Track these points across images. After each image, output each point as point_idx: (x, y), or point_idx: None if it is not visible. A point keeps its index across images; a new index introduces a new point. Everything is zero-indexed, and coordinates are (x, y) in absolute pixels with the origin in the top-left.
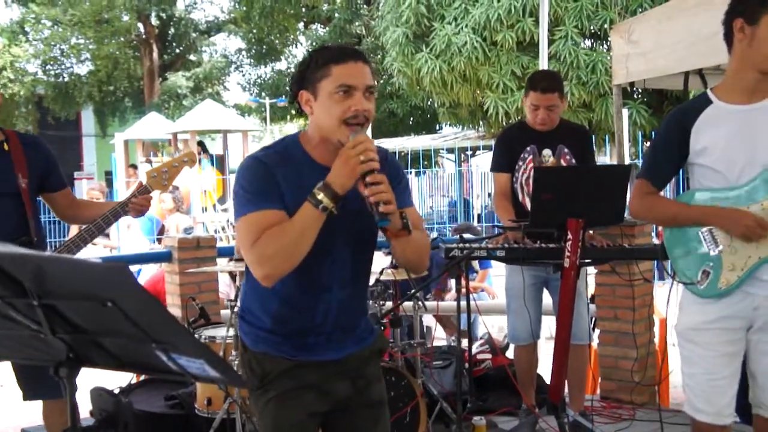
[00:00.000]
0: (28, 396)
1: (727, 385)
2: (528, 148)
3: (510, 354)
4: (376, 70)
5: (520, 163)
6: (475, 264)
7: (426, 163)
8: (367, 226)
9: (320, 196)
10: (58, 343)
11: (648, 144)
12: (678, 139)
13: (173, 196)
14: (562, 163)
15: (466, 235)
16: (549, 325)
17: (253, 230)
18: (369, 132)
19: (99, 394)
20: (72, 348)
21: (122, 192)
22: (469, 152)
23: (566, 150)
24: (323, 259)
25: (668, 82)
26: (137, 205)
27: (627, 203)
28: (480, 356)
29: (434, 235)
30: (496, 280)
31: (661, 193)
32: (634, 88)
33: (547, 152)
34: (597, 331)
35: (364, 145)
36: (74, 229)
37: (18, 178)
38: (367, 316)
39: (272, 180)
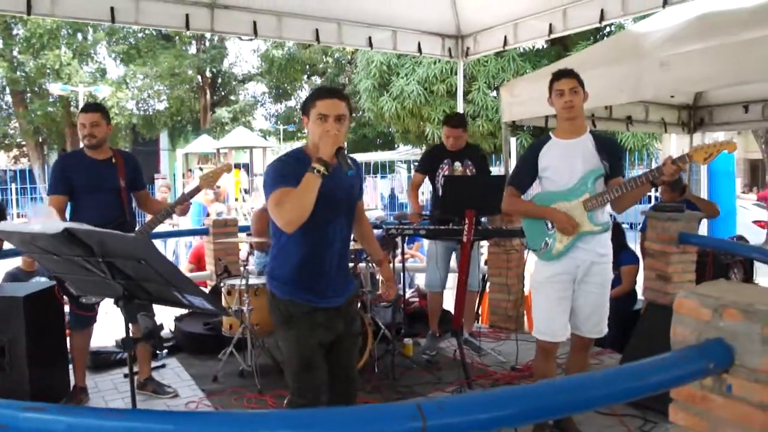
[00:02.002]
0: None
1: (560, 317)
2: (445, 161)
3: None
4: (354, 107)
5: (440, 170)
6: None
7: (387, 170)
8: (353, 205)
9: (316, 165)
10: (117, 286)
11: None
12: (531, 162)
13: (214, 191)
14: (468, 172)
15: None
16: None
17: (278, 198)
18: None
19: (143, 318)
20: (126, 288)
21: (179, 187)
22: (415, 163)
23: (469, 162)
24: (329, 225)
25: (535, 121)
26: (180, 208)
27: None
28: (411, 299)
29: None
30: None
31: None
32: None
33: (457, 164)
34: (489, 283)
35: (334, 129)
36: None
37: (119, 180)
38: (350, 270)
39: (290, 172)
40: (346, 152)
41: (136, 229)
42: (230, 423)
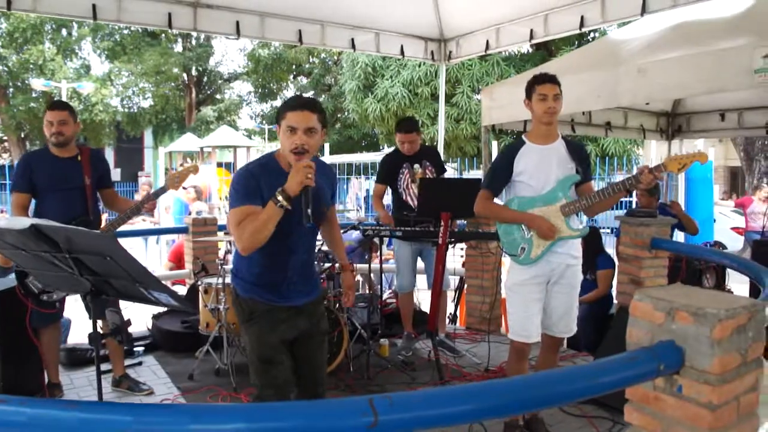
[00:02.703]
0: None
1: (535, 319)
2: (404, 165)
3: None
4: (338, 108)
5: (401, 175)
6: None
7: (372, 171)
8: (321, 213)
9: (279, 197)
10: (84, 281)
11: None
12: (505, 166)
13: (196, 189)
14: (428, 173)
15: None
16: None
17: (238, 218)
18: (327, 149)
19: (111, 313)
20: (93, 284)
21: (161, 185)
22: None
23: (427, 163)
24: (291, 235)
25: (515, 125)
26: (147, 207)
27: None
28: (388, 300)
29: (369, 219)
30: None
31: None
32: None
33: (416, 167)
34: (466, 285)
35: (310, 168)
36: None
37: (84, 178)
38: (316, 274)
39: (256, 185)
40: (311, 194)
41: (102, 226)
42: (186, 415)
